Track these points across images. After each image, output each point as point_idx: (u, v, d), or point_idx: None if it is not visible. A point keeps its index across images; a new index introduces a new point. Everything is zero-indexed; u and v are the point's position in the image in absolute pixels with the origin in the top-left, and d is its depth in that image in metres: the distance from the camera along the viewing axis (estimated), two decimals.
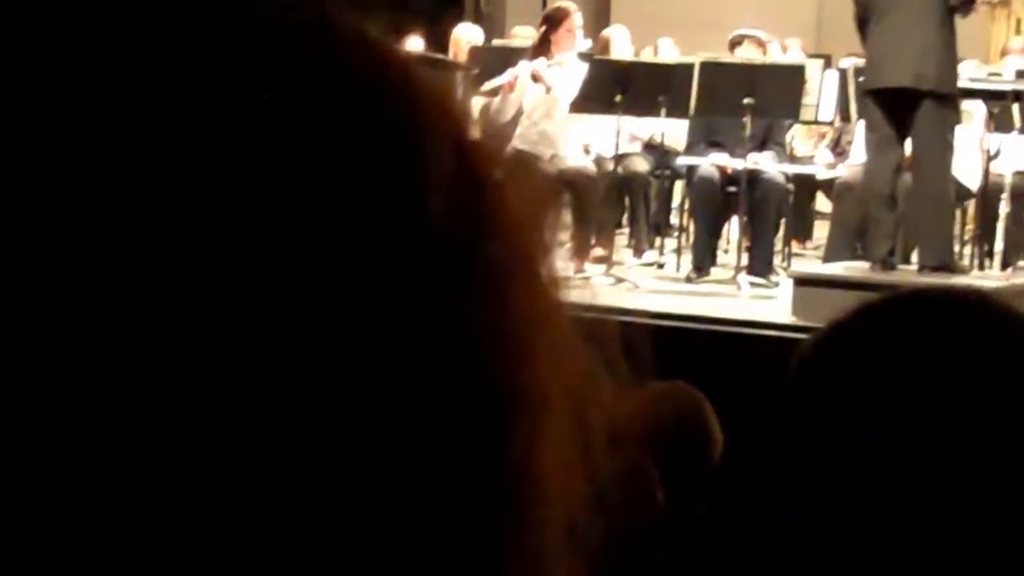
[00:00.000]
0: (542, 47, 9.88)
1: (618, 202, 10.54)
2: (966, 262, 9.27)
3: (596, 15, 14.82)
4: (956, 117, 8.23)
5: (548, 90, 9.67)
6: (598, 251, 9.66)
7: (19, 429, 0.46)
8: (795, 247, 10.72)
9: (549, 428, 0.53)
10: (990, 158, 9.66)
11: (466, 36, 11.20)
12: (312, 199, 0.49)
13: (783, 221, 10.00)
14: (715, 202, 9.51)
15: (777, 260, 9.77)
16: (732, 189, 9.44)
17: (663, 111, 9.54)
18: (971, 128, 9.56)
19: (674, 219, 10.93)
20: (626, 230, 10.65)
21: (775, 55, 11.23)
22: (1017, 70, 10.44)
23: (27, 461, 0.46)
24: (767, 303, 8.49)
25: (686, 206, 10.07)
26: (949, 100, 8.01)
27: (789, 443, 1.26)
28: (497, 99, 9.56)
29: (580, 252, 9.12)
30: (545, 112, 9.70)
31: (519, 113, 9.64)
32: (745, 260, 9.25)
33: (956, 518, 1.18)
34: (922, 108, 7.89)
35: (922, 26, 7.81)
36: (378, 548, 0.50)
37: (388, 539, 0.50)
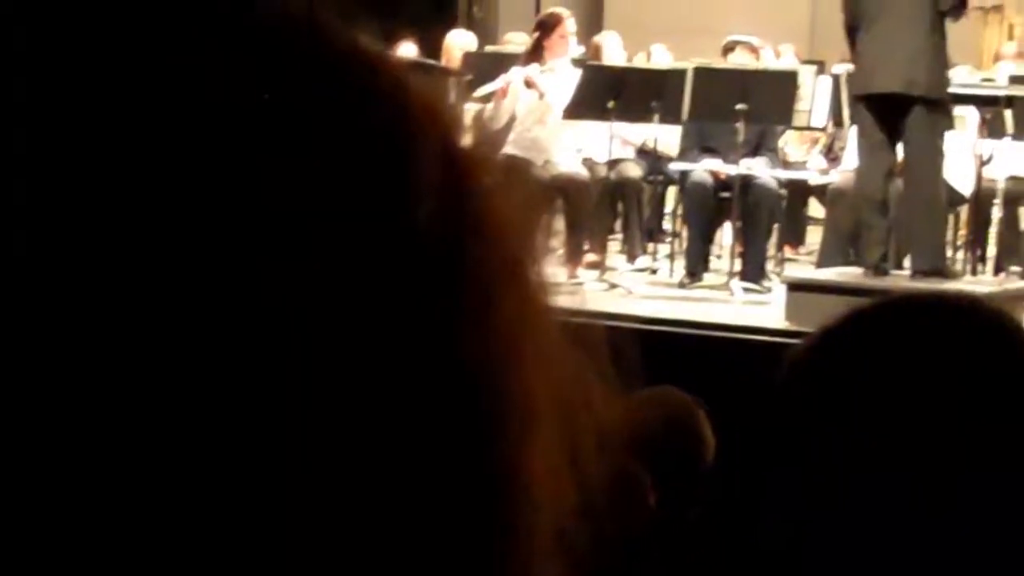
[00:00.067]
0: (535, 53, 9.89)
1: (611, 208, 10.55)
2: (959, 267, 9.28)
3: (589, 21, 14.82)
4: (947, 122, 8.24)
5: (541, 96, 9.68)
6: (591, 256, 9.66)
7: (19, 429, 0.46)
8: (788, 252, 10.72)
9: (538, 433, 0.53)
10: (983, 163, 9.67)
11: (459, 42, 11.21)
12: (306, 201, 0.49)
13: (776, 226, 10.00)
14: (708, 208, 9.52)
15: (770, 265, 9.78)
16: (725, 195, 9.44)
17: (656, 117, 9.55)
18: (964, 134, 9.56)
19: (667, 225, 10.93)
20: (619, 236, 10.66)
21: (768, 61, 11.25)
22: (1010, 76, 10.47)
23: (27, 461, 0.46)
24: (760, 308, 8.50)
25: (679, 212, 10.07)
26: (940, 105, 8.02)
27: (781, 448, 1.26)
28: (490, 105, 9.57)
29: (573, 257, 9.13)
30: (538, 118, 9.71)
31: (512, 119, 9.65)
32: (738, 265, 9.26)
33: (948, 522, 1.18)
34: (913, 113, 7.90)
35: (912, 32, 7.82)
36: (368, 554, 0.50)
37: (378, 545, 0.50)
